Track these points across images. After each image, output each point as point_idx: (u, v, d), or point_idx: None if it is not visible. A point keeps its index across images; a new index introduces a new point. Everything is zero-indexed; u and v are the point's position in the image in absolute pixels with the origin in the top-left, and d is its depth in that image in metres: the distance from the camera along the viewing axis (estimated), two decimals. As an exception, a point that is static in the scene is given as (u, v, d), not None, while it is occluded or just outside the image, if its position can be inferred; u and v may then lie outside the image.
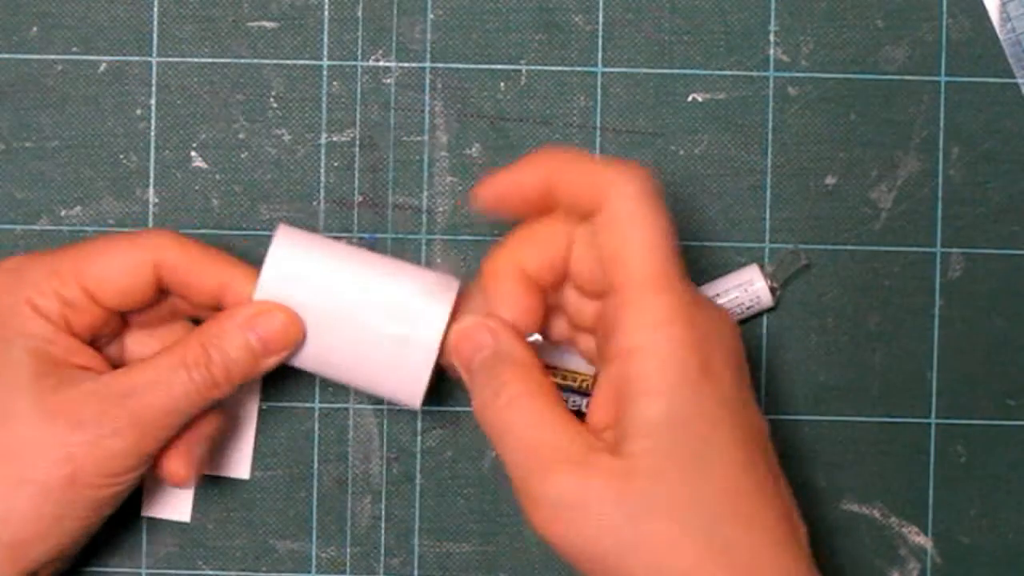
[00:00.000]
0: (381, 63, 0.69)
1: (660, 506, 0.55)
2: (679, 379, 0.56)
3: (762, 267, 0.68)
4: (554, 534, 0.56)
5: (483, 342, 0.59)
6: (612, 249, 0.58)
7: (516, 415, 0.58)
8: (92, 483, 0.61)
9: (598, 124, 0.69)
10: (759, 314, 0.69)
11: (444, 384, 0.69)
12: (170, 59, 0.69)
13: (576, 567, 0.57)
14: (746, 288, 0.68)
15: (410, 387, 0.62)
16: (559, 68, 0.69)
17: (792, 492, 0.58)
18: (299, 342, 0.61)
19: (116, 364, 0.64)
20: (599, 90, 0.69)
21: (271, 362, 0.62)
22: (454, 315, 0.61)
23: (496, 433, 0.58)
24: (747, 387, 0.58)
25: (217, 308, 0.62)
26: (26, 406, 0.60)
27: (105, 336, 0.64)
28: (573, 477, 0.56)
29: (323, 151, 0.69)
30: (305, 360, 0.62)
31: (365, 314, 0.61)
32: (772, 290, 0.68)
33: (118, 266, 0.62)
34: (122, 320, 0.64)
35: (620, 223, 0.57)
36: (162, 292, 0.63)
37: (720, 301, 0.68)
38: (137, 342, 0.65)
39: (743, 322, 0.68)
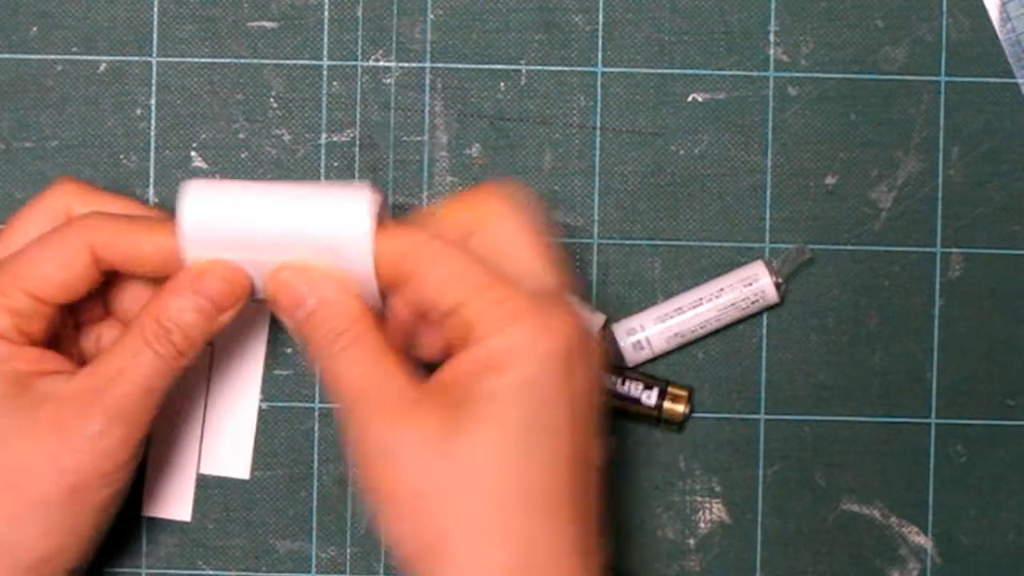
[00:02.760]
0: (381, 63, 0.69)
1: (480, 470, 0.56)
2: (541, 361, 0.57)
3: (767, 263, 0.68)
4: (369, 478, 0.58)
5: (302, 293, 0.60)
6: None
7: (347, 362, 0.59)
8: (93, 487, 0.61)
9: (598, 124, 0.69)
10: (763, 310, 0.69)
11: (444, 384, 0.69)
12: (170, 59, 0.69)
13: (385, 513, 0.58)
14: (751, 283, 0.68)
15: (354, 212, 0.60)
16: (559, 68, 0.69)
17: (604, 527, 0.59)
18: (247, 289, 0.61)
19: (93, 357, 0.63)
20: (599, 90, 0.69)
21: (226, 317, 0.62)
22: (376, 217, 0.60)
23: (329, 379, 0.59)
24: (594, 407, 0.59)
25: (165, 273, 0.62)
26: (8, 430, 0.60)
27: (69, 333, 0.64)
28: (393, 425, 0.57)
29: (323, 151, 0.69)
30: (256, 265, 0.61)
31: (291, 238, 0.60)
32: (777, 286, 0.68)
33: (53, 260, 0.61)
34: (78, 316, 0.64)
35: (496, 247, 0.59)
36: (107, 276, 0.62)
37: (725, 296, 0.68)
38: (114, 329, 0.65)
39: (746, 319, 0.69)
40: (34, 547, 0.60)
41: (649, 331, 0.68)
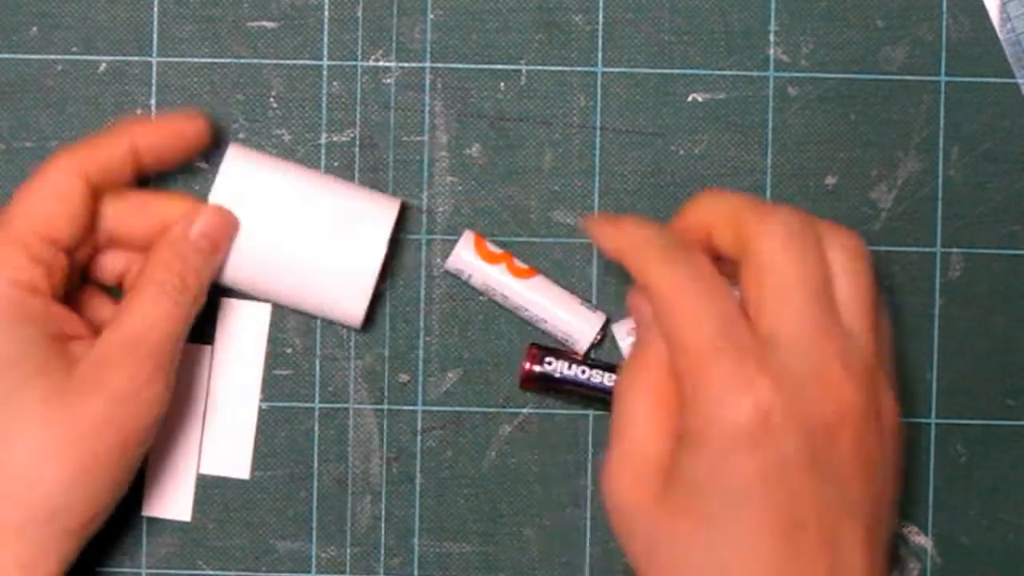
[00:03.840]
0: (381, 63, 0.69)
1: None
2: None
3: None
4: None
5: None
6: (752, 300, 0.58)
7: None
8: (140, 440, 0.62)
9: (598, 124, 0.69)
10: None
11: (445, 385, 0.69)
12: (170, 59, 0.69)
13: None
14: None
15: (354, 300, 0.66)
16: (559, 68, 0.69)
17: None
18: (235, 224, 0.65)
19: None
20: (599, 90, 0.69)
21: (220, 257, 0.65)
22: (396, 232, 0.66)
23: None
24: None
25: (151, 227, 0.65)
26: (53, 394, 0.61)
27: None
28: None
29: (323, 151, 0.69)
30: (255, 277, 0.66)
31: (311, 227, 0.65)
32: None
33: (52, 198, 0.62)
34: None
35: (759, 274, 0.58)
36: (96, 204, 0.64)
37: None
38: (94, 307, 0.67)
39: None
40: (85, 510, 0.61)
41: None
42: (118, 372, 0.61)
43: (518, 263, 0.68)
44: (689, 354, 0.57)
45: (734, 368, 0.56)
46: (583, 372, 0.67)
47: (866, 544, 0.57)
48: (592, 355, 0.68)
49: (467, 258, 0.67)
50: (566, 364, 0.67)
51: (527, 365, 0.67)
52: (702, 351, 0.56)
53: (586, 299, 0.68)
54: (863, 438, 0.57)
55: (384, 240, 0.65)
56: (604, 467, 0.60)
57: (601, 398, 0.67)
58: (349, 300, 0.66)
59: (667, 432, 0.58)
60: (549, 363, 0.67)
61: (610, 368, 0.67)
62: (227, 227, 0.65)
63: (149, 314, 0.62)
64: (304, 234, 0.65)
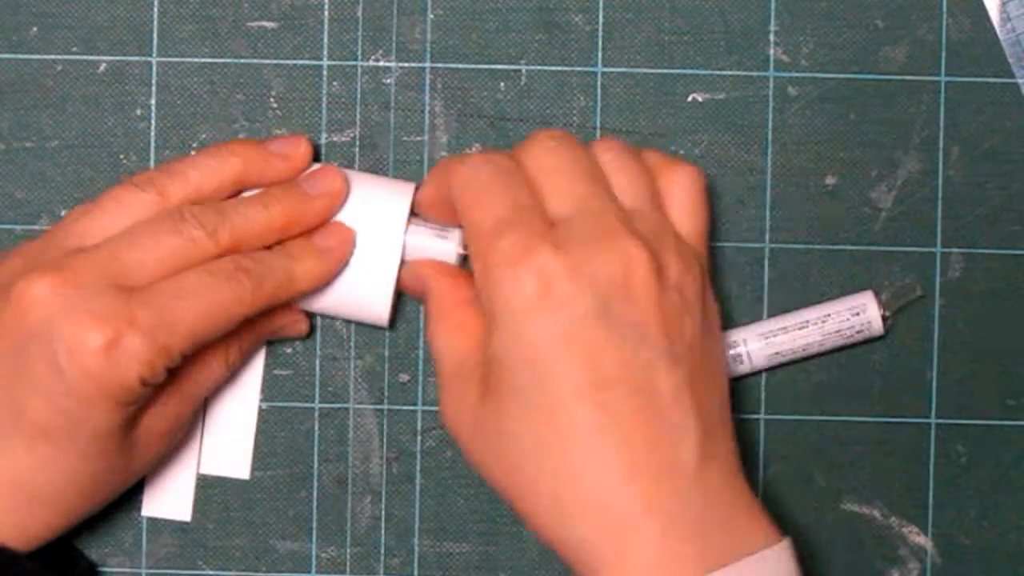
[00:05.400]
0: (381, 63, 0.69)
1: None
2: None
3: (877, 295, 0.68)
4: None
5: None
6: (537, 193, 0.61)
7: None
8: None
9: (598, 124, 0.69)
10: (866, 342, 0.68)
11: (444, 384, 0.69)
12: (170, 59, 0.69)
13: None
14: (859, 312, 0.67)
15: (378, 293, 0.65)
16: (559, 68, 0.69)
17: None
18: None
19: None
20: (599, 90, 0.69)
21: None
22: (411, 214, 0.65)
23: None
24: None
25: None
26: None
27: None
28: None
29: (323, 151, 0.69)
30: None
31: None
32: (884, 319, 0.67)
33: (214, 311, 0.61)
34: None
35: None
36: None
37: (831, 323, 0.67)
38: None
39: (846, 348, 0.68)
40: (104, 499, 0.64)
41: (752, 346, 0.67)
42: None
43: None
44: (480, 236, 0.59)
45: (517, 241, 0.58)
46: None
47: (689, 389, 0.58)
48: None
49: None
50: None
51: None
52: (490, 230, 0.59)
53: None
54: (657, 292, 0.58)
55: (400, 228, 0.65)
56: (440, 405, 0.62)
57: None
58: (372, 291, 0.65)
59: (475, 348, 0.61)
60: None
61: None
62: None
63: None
64: None
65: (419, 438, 0.69)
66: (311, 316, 0.67)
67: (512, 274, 0.58)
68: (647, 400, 0.57)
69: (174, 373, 0.62)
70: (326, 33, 0.69)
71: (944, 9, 0.69)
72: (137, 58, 0.69)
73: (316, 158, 0.68)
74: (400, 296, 0.67)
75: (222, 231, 0.61)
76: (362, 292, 0.65)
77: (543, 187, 0.60)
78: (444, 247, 0.65)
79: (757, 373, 0.69)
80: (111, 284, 0.59)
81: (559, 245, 0.58)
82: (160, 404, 0.62)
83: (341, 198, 0.64)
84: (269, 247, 0.63)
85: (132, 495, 0.67)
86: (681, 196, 0.62)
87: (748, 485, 0.60)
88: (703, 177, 0.63)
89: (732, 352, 0.67)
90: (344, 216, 0.64)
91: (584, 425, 0.57)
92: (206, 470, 0.69)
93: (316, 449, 0.69)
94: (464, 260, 0.65)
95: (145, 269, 0.60)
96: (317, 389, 0.69)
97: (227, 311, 0.61)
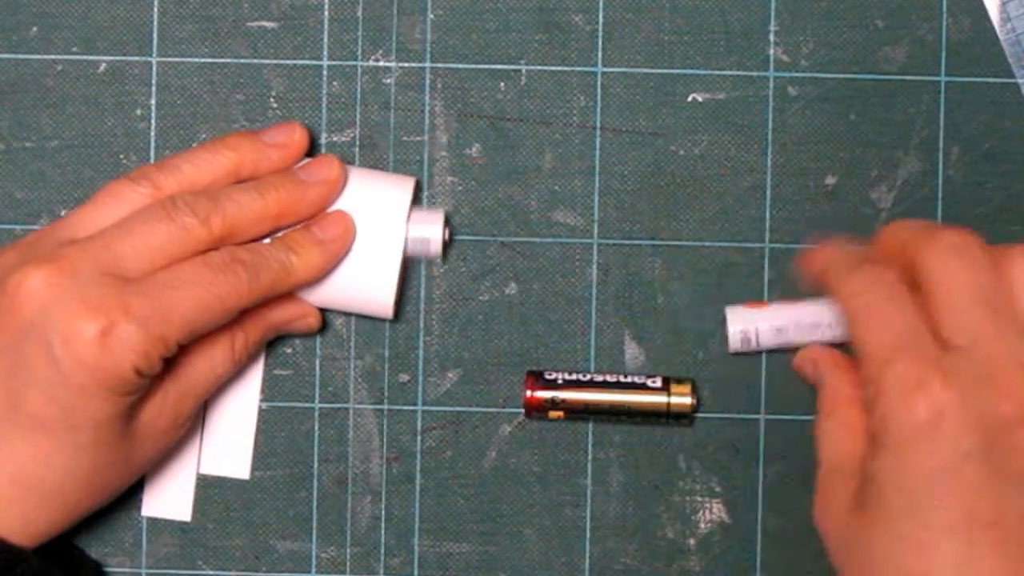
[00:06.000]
0: (381, 63, 0.69)
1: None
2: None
3: None
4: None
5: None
6: (930, 315, 0.59)
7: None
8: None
9: (598, 124, 0.69)
10: None
11: (445, 385, 0.69)
12: (170, 59, 0.69)
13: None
14: None
15: (382, 282, 0.65)
16: (559, 68, 0.69)
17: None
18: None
19: None
20: (599, 90, 0.69)
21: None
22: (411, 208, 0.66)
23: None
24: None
25: None
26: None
27: None
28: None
29: (323, 151, 0.69)
30: None
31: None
32: None
33: (203, 305, 0.61)
34: None
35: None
36: None
37: (840, 331, 0.67)
38: None
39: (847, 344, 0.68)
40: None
41: (761, 325, 0.68)
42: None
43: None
44: (871, 358, 0.58)
45: (910, 369, 0.57)
46: (584, 375, 0.67)
47: None
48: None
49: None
50: (566, 373, 0.68)
51: (529, 392, 0.67)
52: (882, 355, 0.58)
53: (585, 298, 0.68)
54: None
55: (402, 221, 0.65)
56: (814, 497, 0.62)
57: (607, 408, 0.67)
58: (377, 282, 0.65)
59: (858, 452, 0.61)
60: (550, 375, 0.68)
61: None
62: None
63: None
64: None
65: (419, 438, 0.69)
66: (322, 313, 0.67)
67: (904, 404, 0.57)
68: (1016, 550, 0.57)
69: (175, 365, 0.62)
70: (326, 33, 0.69)
71: (944, 9, 0.69)
72: (137, 58, 0.69)
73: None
74: (403, 287, 0.67)
75: (215, 218, 0.61)
76: (366, 283, 0.65)
77: (939, 306, 0.59)
78: (434, 231, 0.66)
79: (760, 352, 0.69)
80: (105, 273, 0.59)
81: (950, 374, 0.57)
82: (160, 397, 0.62)
83: (338, 186, 0.64)
84: (267, 236, 0.63)
85: (132, 495, 0.67)
86: None
87: None
88: None
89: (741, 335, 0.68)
90: (344, 206, 0.65)
91: (951, 558, 0.56)
92: (206, 470, 0.69)
93: (316, 449, 0.69)
94: (447, 245, 0.66)
95: (139, 258, 0.60)
96: (317, 389, 0.69)
97: (223, 301, 0.61)
